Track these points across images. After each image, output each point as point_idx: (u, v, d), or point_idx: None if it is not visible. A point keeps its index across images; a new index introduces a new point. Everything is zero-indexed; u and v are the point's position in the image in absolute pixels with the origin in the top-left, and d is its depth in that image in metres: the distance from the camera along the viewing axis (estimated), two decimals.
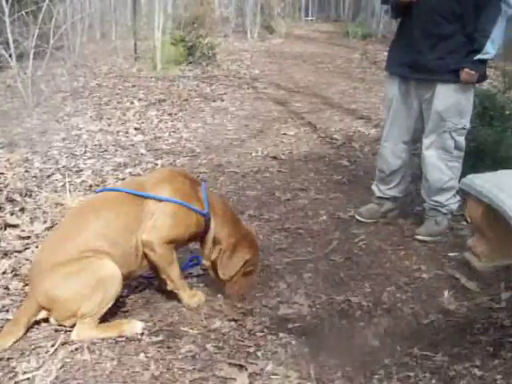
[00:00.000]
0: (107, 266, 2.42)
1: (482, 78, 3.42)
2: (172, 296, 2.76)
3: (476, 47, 3.24)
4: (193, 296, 2.75)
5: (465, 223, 3.75)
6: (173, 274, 2.66)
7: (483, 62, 3.30)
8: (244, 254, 2.71)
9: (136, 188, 2.66)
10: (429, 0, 3.30)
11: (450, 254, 3.38)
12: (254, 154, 5.54)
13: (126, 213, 2.57)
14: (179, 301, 2.75)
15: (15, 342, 2.36)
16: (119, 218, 2.55)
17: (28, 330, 2.44)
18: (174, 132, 6.36)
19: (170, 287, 2.71)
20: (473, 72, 3.28)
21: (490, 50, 3.23)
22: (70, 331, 2.45)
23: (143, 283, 2.94)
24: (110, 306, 2.45)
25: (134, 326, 2.51)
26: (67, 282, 2.37)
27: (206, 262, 2.85)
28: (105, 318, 2.52)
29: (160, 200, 2.61)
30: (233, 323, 2.61)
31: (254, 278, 2.87)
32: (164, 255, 2.60)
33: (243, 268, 2.72)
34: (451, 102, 3.37)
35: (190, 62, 11.69)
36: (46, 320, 2.50)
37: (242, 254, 2.71)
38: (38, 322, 2.50)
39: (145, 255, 2.60)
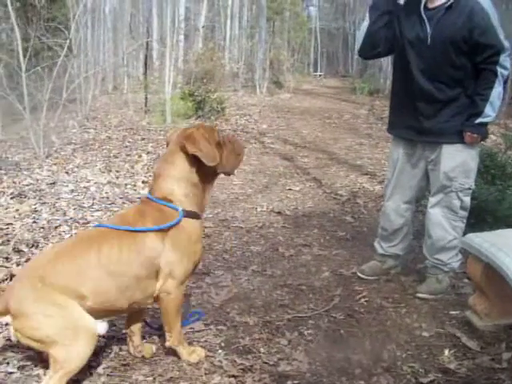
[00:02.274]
0: (89, 320, 2.37)
1: (485, 136, 3.49)
2: (172, 351, 2.77)
3: (476, 111, 3.31)
4: (192, 352, 2.75)
5: (466, 281, 3.75)
6: (175, 327, 2.66)
7: (484, 124, 3.37)
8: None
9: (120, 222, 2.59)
10: (428, 66, 3.37)
11: (451, 313, 3.37)
12: (259, 209, 5.60)
13: (126, 245, 2.50)
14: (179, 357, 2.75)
15: None
16: (118, 251, 2.48)
17: None
18: None
19: (168, 343, 2.70)
20: (475, 135, 3.35)
21: (490, 112, 3.30)
22: None
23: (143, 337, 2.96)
24: (82, 364, 2.36)
25: None
26: (44, 307, 2.30)
27: None
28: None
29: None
30: (232, 379, 2.62)
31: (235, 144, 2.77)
32: (176, 302, 2.61)
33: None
34: (458, 161, 3.41)
35: (199, 116, 11.91)
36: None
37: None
38: None
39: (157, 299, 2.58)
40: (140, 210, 2.63)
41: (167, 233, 2.53)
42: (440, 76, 3.36)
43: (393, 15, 3.51)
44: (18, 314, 2.31)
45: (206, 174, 2.64)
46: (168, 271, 2.53)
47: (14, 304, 2.32)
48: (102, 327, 2.53)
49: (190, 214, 2.60)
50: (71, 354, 2.32)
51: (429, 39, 3.32)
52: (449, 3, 3.26)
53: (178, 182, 2.59)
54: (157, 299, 2.60)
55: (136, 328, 2.79)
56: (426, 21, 3.33)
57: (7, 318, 2.37)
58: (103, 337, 2.88)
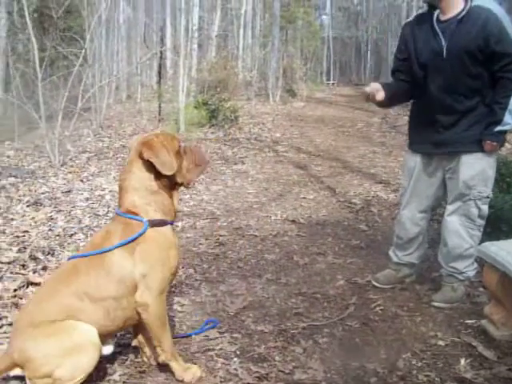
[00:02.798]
0: (85, 332, 2.38)
1: (502, 144, 3.48)
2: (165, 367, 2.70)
3: (495, 119, 3.30)
4: (187, 369, 2.66)
5: (482, 290, 3.73)
6: (164, 340, 2.58)
7: (503, 132, 3.37)
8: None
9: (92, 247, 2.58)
10: (446, 79, 3.37)
11: (467, 321, 3.36)
12: (273, 218, 5.61)
13: (98, 269, 2.48)
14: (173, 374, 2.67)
15: None
16: (93, 276, 2.48)
17: None
18: (194, 194, 6.48)
19: (161, 358, 2.64)
20: (495, 143, 3.35)
21: (509, 120, 3.29)
22: None
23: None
24: (87, 374, 2.37)
25: None
26: (40, 344, 2.33)
27: None
28: None
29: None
30: None
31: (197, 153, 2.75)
32: (157, 313, 2.54)
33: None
34: (477, 170, 3.40)
35: (213, 125, 11.95)
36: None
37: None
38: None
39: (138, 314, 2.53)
40: (107, 230, 2.62)
41: (136, 246, 2.49)
42: (458, 87, 3.36)
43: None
44: (23, 363, 2.35)
45: (165, 182, 2.59)
46: (143, 283, 2.48)
47: (17, 356, 2.35)
48: (107, 349, 2.56)
49: (156, 223, 2.55)
50: (74, 370, 2.33)
51: (444, 52, 3.32)
52: (462, 14, 3.26)
53: (137, 192, 2.54)
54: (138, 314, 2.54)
55: (144, 338, 2.78)
56: (439, 34, 3.33)
57: (17, 371, 2.40)
58: (119, 345, 2.90)
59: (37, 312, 2.42)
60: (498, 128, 3.31)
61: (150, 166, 2.51)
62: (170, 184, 2.62)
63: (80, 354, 2.34)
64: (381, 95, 3.44)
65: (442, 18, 3.35)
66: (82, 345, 2.35)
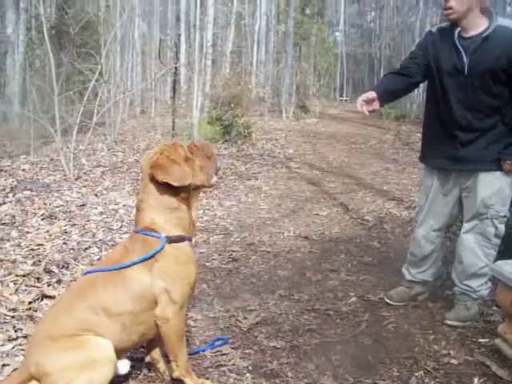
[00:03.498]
0: (101, 347, 2.40)
1: None
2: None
3: None
4: None
5: (495, 308, 3.72)
6: (180, 355, 2.60)
7: None
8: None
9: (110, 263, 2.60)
10: (466, 96, 3.36)
11: (481, 340, 3.34)
12: (286, 234, 5.62)
13: (115, 284, 2.51)
14: None
15: None
16: (111, 291, 2.50)
17: None
18: (208, 210, 6.51)
19: (176, 373, 2.64)
20: None
21: None
22: None
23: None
24: None
25: None
26: (57, 358, 2.34)
27: None
28: None
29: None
30: None
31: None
32: (177, 327, 2.55)
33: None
34: (495, 189, 3.39)
35: (226, 141, 12.01)
36: None
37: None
38: None
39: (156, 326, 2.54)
40: (125, 246, 2.64)
41: (154, 262, 2.51)
42: (477, 105, 3.36)
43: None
44: (40, 377, 2.37)
45: (184, 193, 2.59)
46: (163, 298, 2.50)
47: (33, 369, 2.37)
48: (123, 367, 2.58)
49: (174, 239, 2.56)
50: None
51: (466, 69, 3.32)
52: (486, 33, 3.26)
53: (156, 211, 2.56)
54: (157, 327, 2.55)
55: (157, 355, 2.80)
56: (461, 51, 3.33)
57: None
58: (132, 359, 2.91)
59: (54, 326, 2.44)
60: None
61: (166, 184, 2.51)
62: (190, 192, 2.62)
63: (96, 369, 2.35)
64: (375, 106, 3.45)
65: (465, 34, 3.34)
66: (98, 360, 2.37)
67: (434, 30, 3.58)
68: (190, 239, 2.67)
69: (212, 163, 2.69)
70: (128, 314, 2.48)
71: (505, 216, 3.47)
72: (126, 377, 2.77)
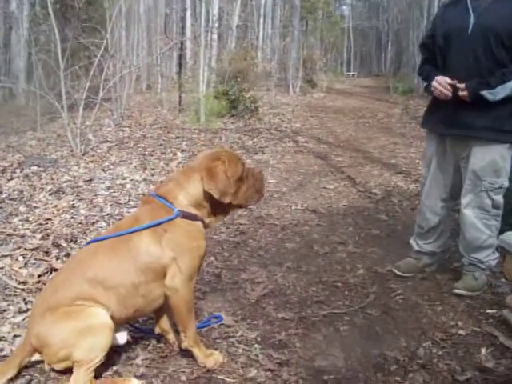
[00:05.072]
0: (97, 315, 2.41)
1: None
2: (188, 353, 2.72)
3: (491, 83, 3.24)
4: (209, 355, 2.68)
5: (504, 280, 3.72)
6: (189, 326, 2.60)
7: (480, 95, 3.26)
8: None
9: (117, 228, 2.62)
10: (467, 58, 3.32)
11: (488, 311, 3.34)
12: (293, 207, 5.62)
13: (120, 255, 2.52)
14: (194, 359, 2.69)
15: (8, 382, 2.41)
16: (113, 262, 2.50)
17: (21, 370, 2.48)
18: None
19: (184, 344, 2.65)
20: (465, 93, 3.28)
21: (499, 94, 3.23)
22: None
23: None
24: (103, 355, 2.40)
25: None
26: (56, 328, 2.37)
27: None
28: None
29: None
30: (269, 373, 2.64)
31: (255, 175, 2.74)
32: (186, 298, 2.56)
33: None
34: (487, 160, 3.38)
35: (233, 115, 11.98)
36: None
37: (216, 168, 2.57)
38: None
39: (165, 298, 2.56)
40: (135, 215, 2.66)
41: (164, 233, 2.51)
42: (477, 69, 3.29)
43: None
44: (42, 348, 2.41)
45: (217, 204, 2.61)
46: (172, 269, 2.50)
47: (35, 341, 2.41)
48: (121, 337, 2.60)
49: (187, 215, 2.56)
50: (90, 351, 2.37)
51: (470, 28, 3.29)
52: None
53: (184, 194, 2.57)
54: (166, 298, 2.56)
55: (167, 326, 2.81)
56: (470, 10, 3.30)
57: (37, 356, 2.48)
58: (141, 331, 2.93)
59: (53, 298, 2.45)
60: (485, 92, 3.25)
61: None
62: (224, 205, 2.63)
63: (95, 334, 2.38)
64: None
65: None
66: (97, 326, 2.38)
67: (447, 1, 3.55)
68: (203, 221, 2.65)
69: (257, 195, 2.74)
70: (130, 285, 2.48)
71: (501, 187, 3.43)
72: (135, 347, 2.80)
